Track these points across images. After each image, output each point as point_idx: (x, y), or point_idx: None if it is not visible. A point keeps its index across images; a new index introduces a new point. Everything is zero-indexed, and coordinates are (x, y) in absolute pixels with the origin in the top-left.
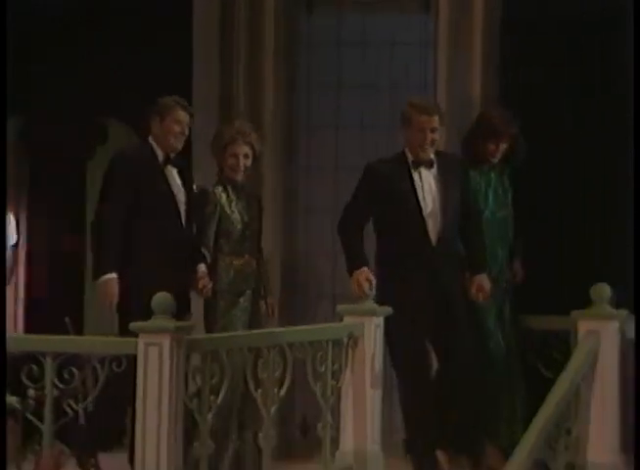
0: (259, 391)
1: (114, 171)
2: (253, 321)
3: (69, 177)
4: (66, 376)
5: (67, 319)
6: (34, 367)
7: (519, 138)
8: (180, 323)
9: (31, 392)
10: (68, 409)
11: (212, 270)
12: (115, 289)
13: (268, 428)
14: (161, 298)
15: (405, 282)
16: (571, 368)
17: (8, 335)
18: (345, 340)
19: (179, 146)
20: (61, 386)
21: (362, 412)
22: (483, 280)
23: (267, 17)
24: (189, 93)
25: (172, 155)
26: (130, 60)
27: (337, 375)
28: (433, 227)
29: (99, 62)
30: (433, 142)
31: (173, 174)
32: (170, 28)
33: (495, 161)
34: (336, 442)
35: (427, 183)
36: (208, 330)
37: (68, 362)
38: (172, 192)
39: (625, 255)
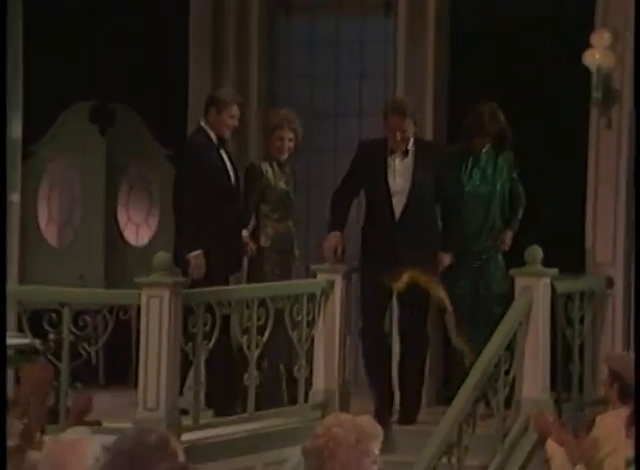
0: (245, 337)
1: (190, 161)
2: (286, 274)
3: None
4: (80, 323)
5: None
6: (53, 315)
7: (506, 131)
8: (177, 279)
9: (51, 336)
10: (83, 351)
11: (257, 233)
12: (203, 261)
13: (252, 370)
14: (161, 257)
15: (370, 252)
16: (508, 318)
17: (33, 287)
18: (318, 294)
19: (229, 136)
20: (76, 331)
21: (332, 356)
22: (444, 257)
23: (252, 18)
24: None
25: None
26: (134, 53)
27: (311, 324)
28: (397, 205)
29: (108, 55)
30: (403, 139)
31: (224, 156)
32: (170, 28)
33: (484, 150)
34: (309, 382)
35: (399, 167)
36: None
37: (82, 311)
38: (228, 171)
39: (557, 220)
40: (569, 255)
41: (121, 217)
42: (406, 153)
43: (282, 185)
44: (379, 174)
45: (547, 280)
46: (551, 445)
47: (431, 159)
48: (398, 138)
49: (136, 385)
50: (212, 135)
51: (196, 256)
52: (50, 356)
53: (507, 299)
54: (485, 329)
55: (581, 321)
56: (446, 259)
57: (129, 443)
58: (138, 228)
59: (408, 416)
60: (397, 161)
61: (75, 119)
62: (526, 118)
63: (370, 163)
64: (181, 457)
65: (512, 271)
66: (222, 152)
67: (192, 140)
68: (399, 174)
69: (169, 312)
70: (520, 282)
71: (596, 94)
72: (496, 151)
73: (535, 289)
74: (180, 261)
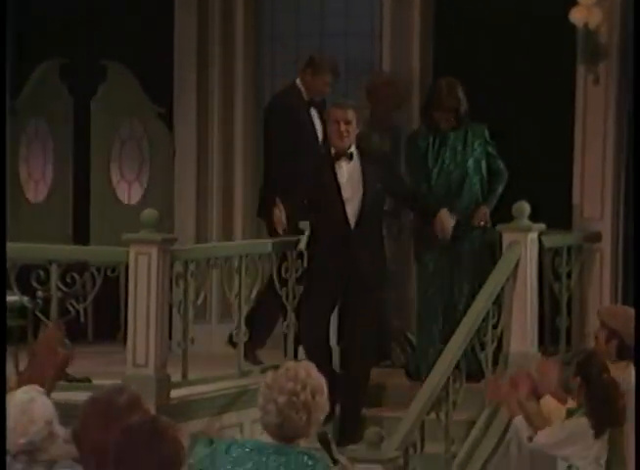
0: (233, 292)
1: (279, 118)
2: None
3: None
4: (68, 280)
5: None
6: (41, 273)
7: (462, 106)
8: (165, 235)
9: (39, 293)
10: (71, 308)
11: None
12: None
13: (240, 325)
14: (149, 214)
15: (325, 262)
16: (496, 273)
17: (21, 244)
18: (305, 252)
19: (319, 98)
20: (64, 289)
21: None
22: (445, 215)
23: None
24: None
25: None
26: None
27: (300, 281)
28: (352, 213)
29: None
30: (347, 133)
31: (314, 115)
32: None
33: (447, 126)
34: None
35: (347, 174)
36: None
37: (70, 269)
38: (315, 130)
39: (545, 176)
40: (556, 210)
41: (114, 175)
42: (351, 156)
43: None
44: (329, 184)
45: (535, 235)
46: (548, 401)
47: (375, 165)
48: (343, 129)
49: (125, 342)
50: (304, 94)
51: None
52: (38, 313)
53: (483, 275)
54: (456, 309)
55: (569, 276)
56: (447, 219)
57: (101, 403)
58: (130, 186)
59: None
60: (344, 166)
61: (51, 77)
62: (513, 77)
63: (315, 175)
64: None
65: (499, 226)
66: (312, 110)
67: (282, 97)
68: (348, 182)
69: (158, 269)
70: (507, 237)
71: (582, 51)
72: (465, 127)
73: (523, 244)
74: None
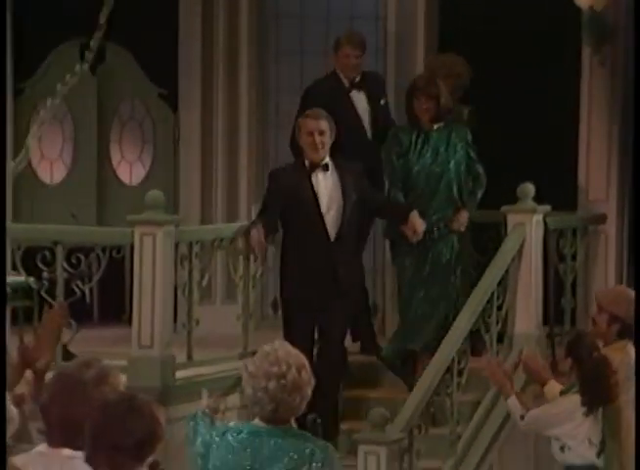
0: (238, 274)
1: (307, 101)
2: None
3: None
4: (73, 261)
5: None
6: (47, 253)
7: (442, 97)
8: (170, 216)
9: (45, 274)
10: (77, 289)
11: None
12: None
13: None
14: (154, 195)
15: (305, 276)
16: (501, 254)
17: (26, 225)
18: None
19: (356, 76)
20: (70, 269)
21: None
22: (415, 217)
23: None
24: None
25: (355, 79)
26: None
27: None
28: (331, 226)
29: None
30: (322, 143)
31: (355, 98)
32: None
33: (426, 118)
34: None
35: (324, 186)
36: None
37: (75, 249)
38: (357, 113)
39: (550, 157)
40: (561, 191)
41: (114, 156)
42: (326, 167)
43: None
44: (306, 197)
45: (539, 216)
46: (553, 386)
47: (350, 177)
48: (318, 142)
49: (130, 323)
50: (343, 78)
51: None
52: (44, 294)
53: (462, 279)
54: (431, 315)
55: (574, 257)
56: (419, 222)
57: (67, 377)
58: (131, 166)
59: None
60: (320, 177)
61: (65, 58)
62: (519, 56)
63: (291, 189)
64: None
65: (504, 208)
66: (354, 93)
67: (318, 84)
68: (324, 194)
69: (162, 251)
70: (512, 219)
71: (588, 33)
72: (449, 128)
73: (528, 225)
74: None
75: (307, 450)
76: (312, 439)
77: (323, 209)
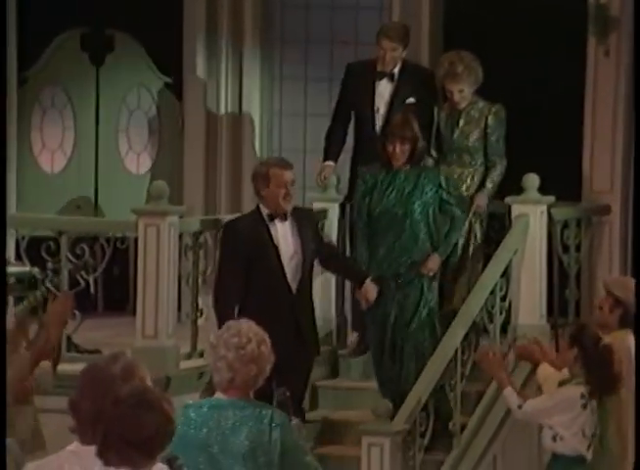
0: None
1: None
2: None
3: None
4: (78, 252)
5: None
6: (51, 244)
7: (418, 141)
8: (174, 207)
9: (49, 264)
10: (81, 280)
11: None
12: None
13: None
14: (159, 185)
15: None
16: (504, 245)
17: (31, 215)
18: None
19: (387, 68)
20: (74, 260)
21: (328, 285)
22: (369, 286)
23: None
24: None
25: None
26: None
27: None
28: (292, 277)
29: None
30: (292, 195)
31: (381, 85)
32: None
33: (399, 163)
34: None
35: (283, 236)
36: None
37: (80, 240)
38: (373, 101)
39: (555, 148)
40: (566, 182)
41: (122, 145)
42: (285, 216)
43: None
44: (265, 247)
45: (544, 207)
46: (542, 369)
47: (308, 224)
48: (290, 193)
49: (134, 313)
50: (380, 65)
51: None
52: (48, 285)
53: (429, 329)
54: (398, 363)
55: (578, 248)
56: (372, 288)
57: (96, 372)
58: (139, 156)
59: None
60: (279, 227)
61: (67, 46)
62: (523, 46)
63: (249, 239)
64: (148, 383)
65: (508, 199)
66: (382, 83)
67: (356, 66)
68: (284, 243)
69: (167, 241)
70: (516, 209)
71: (593, 23)
72: (418, 170)
73: (532, 216)
74: None
75: (266, 419)
76: (271, 408)
77: (284, 260)
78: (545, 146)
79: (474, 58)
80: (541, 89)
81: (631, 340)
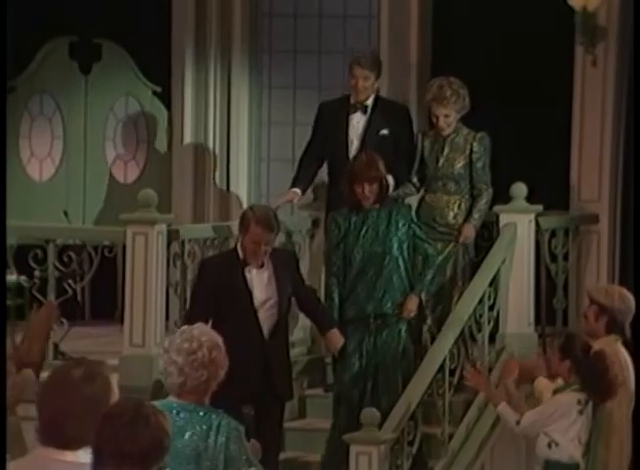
0: None
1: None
2: None
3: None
4: (65, 260)
5: None
6: (38, 252)
7: (384, 179)
8: (162, 215)
9: (37, 272)
10: (68, 288)
11: None
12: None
13: None
14: (146, 194)
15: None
16: (492, 254)
17: (16, 223)
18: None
19: (363, 98)
20: (61, 268)
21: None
22: (334, 334)
23: None
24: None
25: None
26: None
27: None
28: (265, 322)
29: None
30: (265, 253)
31: (354, 120)
32: None
33: (369, 203)
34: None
35: (258, 281)
36: None
37: (67, 248)
38: (347, 135)
39: (542, 157)
40: (553, 191)
41: (109, 154)
42: (262, 264)
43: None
44: (239, 292)
45: (531, 216)
46: (538, 382)
47: (285, 267)
48: (262, 252)
49: (122, 322)
50: (353, 97)
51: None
52: (35, 293)
53: (406, 372)
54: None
55: (566, 257)
56: (337, 337)
57: (58, 375)
58: (126, 165)
59: None
60: (255, 272)
61: (55, 55)
62: (512, 57)
63: (223, 281)
64: (114, 385)
65: (496, 208)
66: (356, 116)
67: (331, 102)
68: (258, 288)
69: (155, 249)
70: (504, 218)
71: (580, 33)
72: (389, 207)
73: (520, 225)
74: None
75: (214, 424)
76: (222, 415)
77: (256, 304)
78: (533, 155)
79: (462, 85)
80: (529, 98)
81: (619, 346)
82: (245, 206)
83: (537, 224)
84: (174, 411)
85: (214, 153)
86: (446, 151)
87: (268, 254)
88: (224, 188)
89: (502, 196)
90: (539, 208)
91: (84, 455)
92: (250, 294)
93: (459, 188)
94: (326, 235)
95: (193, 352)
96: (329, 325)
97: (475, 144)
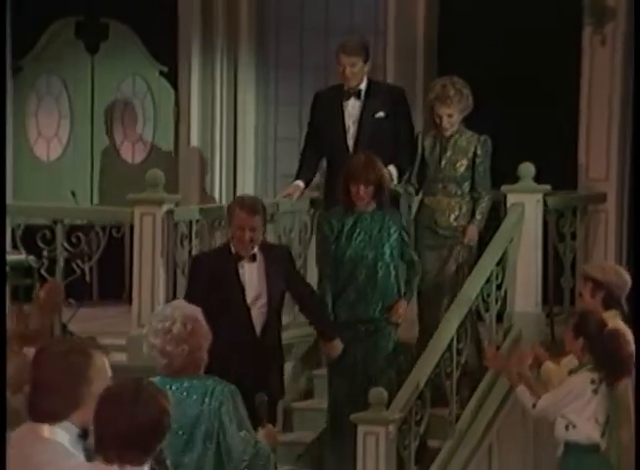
0: None
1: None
2: None
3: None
4: (73, 240)
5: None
6: (47, 232)
7: (383, 182)
8: (170, 196)
9: (45, 253)
10: (76, 268)
11: None
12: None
13: None
14: (153, 174)
15: (230, 373)
16: (500, 234)
17: (24, 204)
18: None
19: (351, 84)
20: (70, 248)
21: None
22: (336, 344)
23: None
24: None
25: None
26: None
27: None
28: (257, 319)
29: None
30: (251, 240)
31: (348, 107)
32: None
33: (363, 204)
34: None
35: (250, 277)
36: None
37: (75, 229)
38: (343, 122)
39: (550, 137)
40: (561, 171)
41: (117, 134)
42: (254, 258)
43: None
44: (231, 287)
45: (539, 196)
46: (545, 367)
47: (278, 263)
48: (247, 237)
49: (130, 302)
50: (345, 86)
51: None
52: (44, 273)
53: (394, 371)
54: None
55: (573, 237)
56: (335, 349)
57: (47, 348)
58: (134, 145)
59: None
60: (247, 267)
61: (62, 35)
62: (519, 39)
63: (215, 276)
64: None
65: (504, 188)
66: (350, 103)
67: (325, 91)
68: (250, 284)
69: (162, 230)
70: (512, 198)
71: (589, 13)
72: (383, 212)
73: (528, 205)
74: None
75: (208, 390)
76: (218, 381)
77: (249, 301)
78: (541, 135)
79: (465, 84)
80: (537, 78)
81: (619, 321)
82: (253, 185)
83: (545, 204)
84: (170, 384)
85: (221, 132)
86: (449, 153)
87: (258, 244)
88: (231, 168)
89: (510, 176)
90: (547, 187)
91: (61, 433)
92: (242, 289)
93: (460, 190)
94: (319, 235)
95: (168, 331)
96: (331, 336)
97: (478, 147)
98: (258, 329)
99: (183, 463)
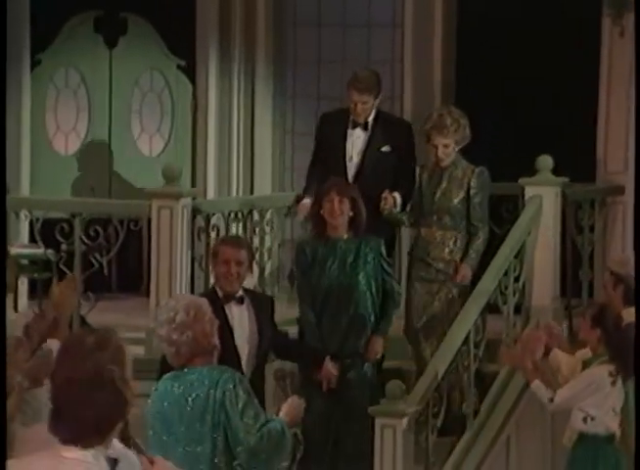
0: (254, 246)
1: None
2: None
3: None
4: (91, 233)
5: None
6: (65, 226)
7: (359, 205)
8: (187, 189)
9: (63, 246)
10: (94, 262)
11: None
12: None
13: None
14: (171, 167)
15: None
16: (518, 227)
17: (42, 198)
18: None
19: (361, 114)
20: (88, 242)
21: None
22: (329, 365)
23: None
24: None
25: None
26: None
27: None
28: (246, 364)
29: None
30: (238, 274)
31: (353, 137)
32: None
33: (335, 223)
34: None
35: (239, 320)
36: None
37: (93, 222)
38: (345, 151)
39: (569, 129)
40: (580, 163)
41: (135, 127)
42: (241, 300)
43: None
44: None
45: (557, 188)
46: (555, 355)
47: (264, 308)
48: (233, 272)
49: (148, 295)
50: (352, 115)
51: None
52: (62, 267)
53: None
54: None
55: (592, 229)
56: (333, 370)
57: (70, 343)
58: (152, 138)
59: None
60: (235, 311)
61: (81, 29)
62: (538, 30)
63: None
64: (126, 355)
65: (522, 180)
66: (355, 132)
67: (331, 114)
68: (239, 327)
69: (180, 223)
70: (530, 191)
71: (608, 3)
72: (358, 239)
73: (546, 197)
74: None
75: (214, 380)
76: (224, 370)
77: (238, 344)
78: (559, 127)
79: (463, 115)
80: (556, 70)
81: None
82: (270, 178)
83: (564, 196)
84: (180, 377)
85: (239, 126)
86: (444, 184)
87: (244, 280)
88: (248, 161)
89: (528, 168)
90: (565, 180)
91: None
92: (230, 331)
93: (455, 223)
94: (295, 264)
95: (172, 320)
96: (321, 357)
97: (473, 179)
98: (248, 371)
99: (196, 453)
